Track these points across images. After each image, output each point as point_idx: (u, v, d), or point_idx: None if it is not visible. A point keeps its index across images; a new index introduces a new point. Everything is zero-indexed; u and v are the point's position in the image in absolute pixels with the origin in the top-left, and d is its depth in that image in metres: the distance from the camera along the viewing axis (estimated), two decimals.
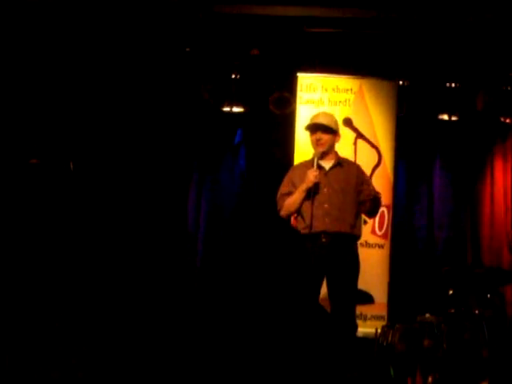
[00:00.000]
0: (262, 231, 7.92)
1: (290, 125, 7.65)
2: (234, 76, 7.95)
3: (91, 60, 7.64)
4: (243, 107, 8.04)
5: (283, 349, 6.34)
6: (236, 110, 8.04)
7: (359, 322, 6.33)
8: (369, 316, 7.32)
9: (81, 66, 7.63)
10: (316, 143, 6.01)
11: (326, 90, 7.63)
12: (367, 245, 7.36)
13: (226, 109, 8.03)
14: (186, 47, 7.76)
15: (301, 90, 7.64)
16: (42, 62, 7.55)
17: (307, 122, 6.21)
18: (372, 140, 7.52)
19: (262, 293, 7.76)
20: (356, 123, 6.67)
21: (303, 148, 7.30)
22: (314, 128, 6.04)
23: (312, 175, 5.86)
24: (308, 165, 6.04)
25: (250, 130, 8.30)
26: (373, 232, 7.46)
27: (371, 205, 5.96)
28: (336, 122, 6.11)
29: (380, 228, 7.50)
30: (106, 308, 7.16)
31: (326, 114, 6.27)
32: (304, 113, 7.50)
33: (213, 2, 7.27)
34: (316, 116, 6.20)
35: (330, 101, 7.60)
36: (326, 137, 5.99)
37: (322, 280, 5.85)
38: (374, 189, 6.05)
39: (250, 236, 8.03)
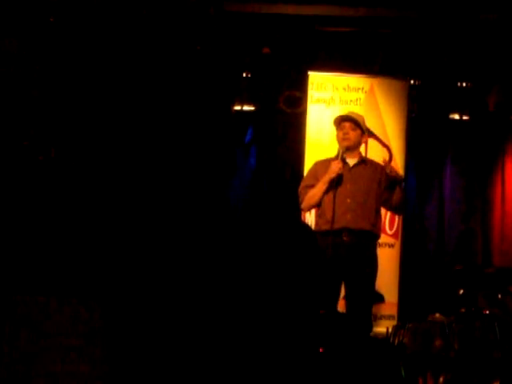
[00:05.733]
0: (272, 230, 7.91)
1: (301, 123, 7.64)
2: (244, 75, 7.96)
3: (100, 56, 7.63)
4: (254, 106, 8.05)
5: (295, 349, 6.33)
6: (247, 108, 8.04)
7: None
8: (379, 315, 7.30)
9: (90, 60, 7.62)
10: (342, 137, 5.95)
11: (337, 88, 7.61)
12: (378, 244, 7.34)
13: (237, 107, 8.04)
14: (196, 45, 7.76)
15: (312, 89, 7.61)
16: (52, 61, 7.55)
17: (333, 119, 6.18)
18: (383, 139, 7.51)
19: (274, 292, 7.75)
20: (367, 122, 6.63)
21: (314, 147, 7.30)
22: (343, 120, 6.00)
23: (336, 166, 5.82)
24: (332, 159, 6.00)
25: (260, 129, 8.29)
26: (383, 231, 7.44)
27: (398, 196, 5.94)
28: (364, 123, 6.09)
29: (390, 227, 7.49)
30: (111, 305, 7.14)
31: (357, 113, 6.26)
32: (315, 111, 7.50)
33: (224, 0, 7.28)
34: (347, 112, 6.25)
35: (340, 100, 7.58)
36: (352, 133, 5.95)
37: (341, 282, 5.81)
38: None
39: (261, 234, 8.02)
